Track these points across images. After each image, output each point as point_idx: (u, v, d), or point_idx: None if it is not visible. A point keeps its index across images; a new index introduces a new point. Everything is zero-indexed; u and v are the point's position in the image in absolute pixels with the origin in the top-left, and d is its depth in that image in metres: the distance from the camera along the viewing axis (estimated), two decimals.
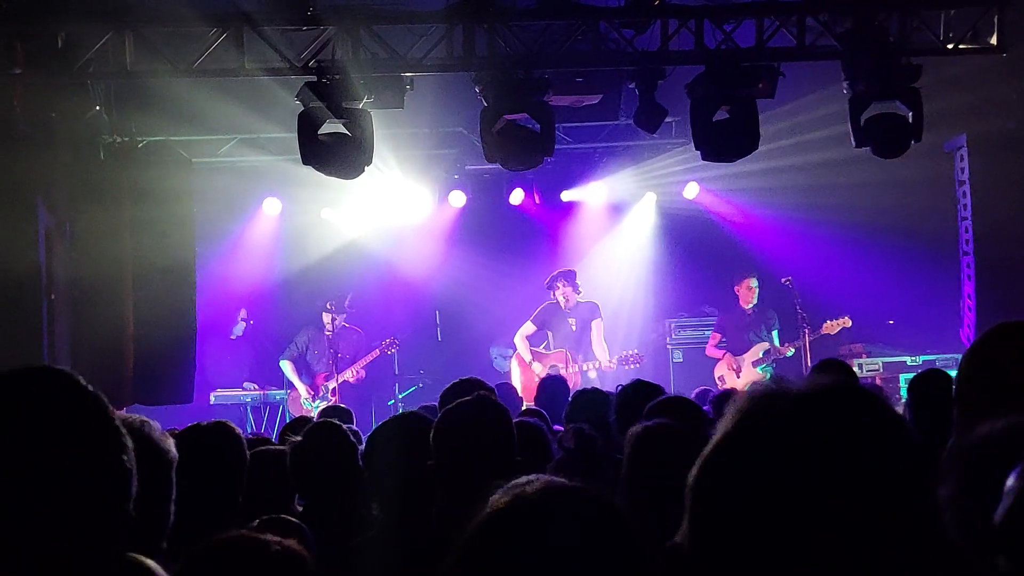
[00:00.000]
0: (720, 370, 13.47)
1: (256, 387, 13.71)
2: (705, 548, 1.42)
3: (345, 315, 13.33)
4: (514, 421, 3.96)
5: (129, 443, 1.91)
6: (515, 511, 1.74)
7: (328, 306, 13.16)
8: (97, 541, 1.86)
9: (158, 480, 2.90)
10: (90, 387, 1.92)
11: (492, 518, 1.75)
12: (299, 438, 5.04)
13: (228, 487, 3.97)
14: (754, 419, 1.43)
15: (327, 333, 13.18)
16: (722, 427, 1.46)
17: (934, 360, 11.63)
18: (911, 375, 8.77)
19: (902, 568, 1.36)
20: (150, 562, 2.17)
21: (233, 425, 4.21)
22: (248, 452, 4.28)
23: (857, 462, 1.37)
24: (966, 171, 11.65)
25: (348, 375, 13.12)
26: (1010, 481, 1.61)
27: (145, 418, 3.00)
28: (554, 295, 13.18)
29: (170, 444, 2.97)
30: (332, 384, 13.04)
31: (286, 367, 13.38)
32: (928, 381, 5.73)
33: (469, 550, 1.75)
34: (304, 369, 13.38)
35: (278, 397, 13.52)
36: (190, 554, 2.23)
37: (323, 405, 11.97)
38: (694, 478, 1.46)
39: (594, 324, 13.10)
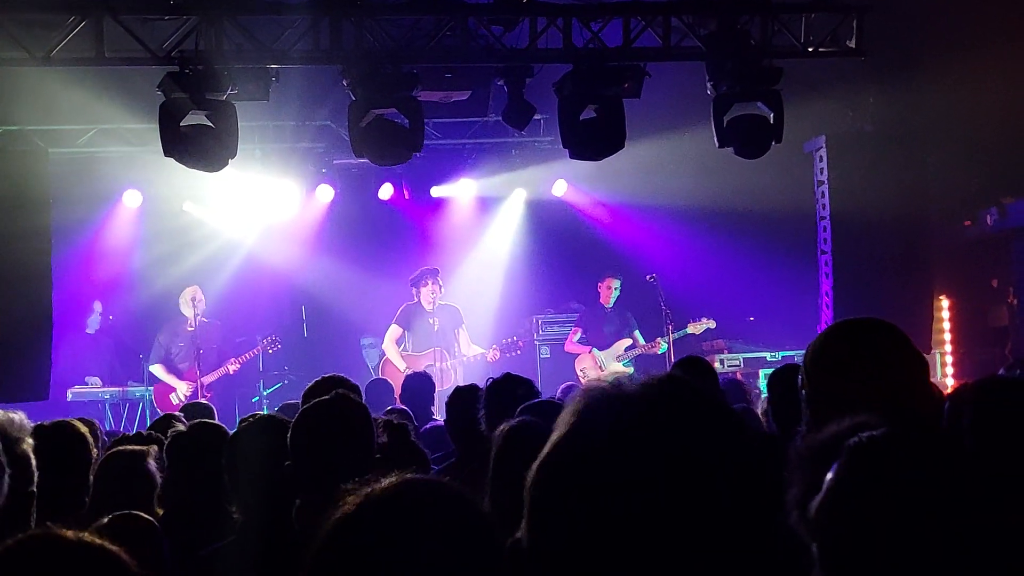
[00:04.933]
0: (582, 363, 13.60)
1: (99, 383, 13.36)
2: (541, 547, 1.42)
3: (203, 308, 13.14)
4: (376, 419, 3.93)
5: None
6: (367, 509, 1.73)
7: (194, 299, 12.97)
8: None
9: (11, 481, 2.79)
10: None
11: (345, 518, 1.74)
12: (182, 427, 4.94)
13: (74, 488, 3.87)
14: (586, 420, 1.44)
15: (189, 328, 12.96)
16: (557, 427, 1.47)
17: (793, 356, 11.89)
18: (770, 370, 8.98)
19: (725, 565, 1.37)
20: None
21: (76, 423, 4.10)
22: (105, 451, 4.18)
23: (684, 463, 1.38)
24: (825, 171, 11.93)
25: (229, 368, 12.89)
26: (829, 475, 1.66)
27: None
28: (417, 293, 13.14)
29: (26, 441, 2.86)
30: (209, 379, 12.82)
31: (158, 370, 13.01)
32: (786, 376, 5.85)
33: (324, 550, 1.74)
34: (171, 367, 13.10)
35: (137, 394, 13.20)
36: None
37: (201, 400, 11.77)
38: (531, 478, 1.46)
39: (459, 332, 13.13)
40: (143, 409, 13.04)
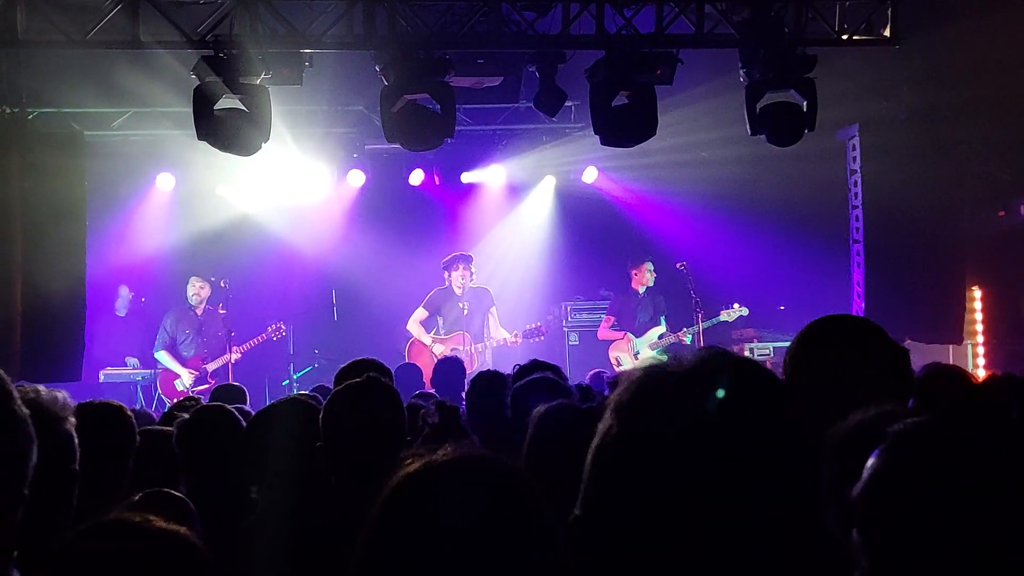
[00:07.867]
0: (616, 351, 13.58)
1: (138, 363, 13.50)
2: (601, 524, 1.45)
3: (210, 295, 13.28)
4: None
5: (27, 429, 1.80)
6: (426, 476, 1.76)
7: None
8: None
9: (54, 460, 2.81)
10: None
11: (404, 482, 1.77)
12: (187, 416, 4.99)
13: (116, 471, 3.90)
14: (645, 396, 1.45)
15: (196, 314, 13.12)
16: (614, 405, 1.48)
17: None
18: None
19: (788, 547, 1.39)
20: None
21: (123, 406, 4.13)
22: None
23: (745, 439, 1.40)
24: (858, 160, 11.89)
25: (231, 357, 12.89)
26: (870, 461, 1.67)
27: (40, 387, 2.89)
28: (448, 278, 13.20)
29: (69, 420, 2.87)
30: (213, 366, 12.96)
31: (163, 357, 13.18)
32: None
33: (383, 514, 1.76)
34: (175, 354, 13.22)
35: None
36: (67, 538, 2.13)
37: (203, 387, 11.87)
38: (592, 455, 1.48)
39: (490, 313, 13.19)
40: (157, 394, 13.15)
